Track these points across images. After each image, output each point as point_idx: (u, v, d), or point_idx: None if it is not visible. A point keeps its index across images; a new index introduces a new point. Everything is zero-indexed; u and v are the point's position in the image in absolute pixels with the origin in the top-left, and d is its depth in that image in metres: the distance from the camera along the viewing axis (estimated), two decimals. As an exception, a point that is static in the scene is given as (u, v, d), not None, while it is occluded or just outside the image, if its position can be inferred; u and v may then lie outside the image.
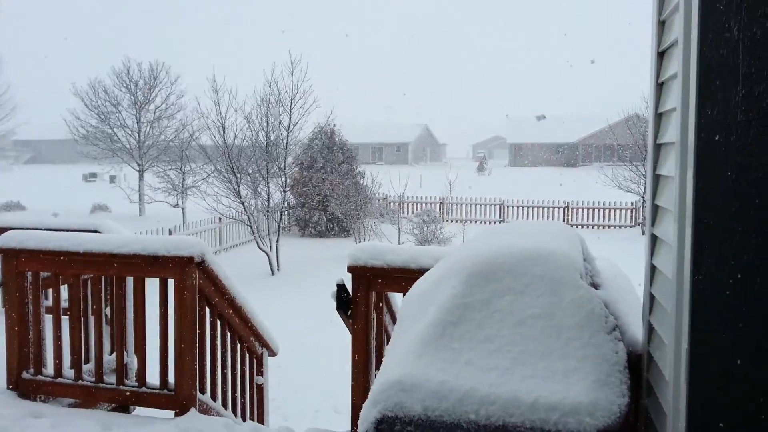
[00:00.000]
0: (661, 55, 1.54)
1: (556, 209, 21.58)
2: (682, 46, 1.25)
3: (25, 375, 3.52)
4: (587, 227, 20.73)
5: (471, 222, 21.01)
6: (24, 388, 3.50)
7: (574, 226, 20.74)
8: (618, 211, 21.04)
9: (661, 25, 1.54)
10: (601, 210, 21.07)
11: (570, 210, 21.38)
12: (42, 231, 3.67)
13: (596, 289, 1.93)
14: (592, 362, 1.47)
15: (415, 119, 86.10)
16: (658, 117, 1.56)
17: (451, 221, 21.32)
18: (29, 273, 3.55)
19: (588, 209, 21.22)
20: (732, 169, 0.97)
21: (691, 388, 1.19)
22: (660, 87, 1.55)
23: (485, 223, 21.88)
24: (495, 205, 22.29)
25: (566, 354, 1.50)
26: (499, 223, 21.63)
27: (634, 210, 20.88)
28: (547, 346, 1.54)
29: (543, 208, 21.76)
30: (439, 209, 22.04)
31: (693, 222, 1.15)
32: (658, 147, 1.57)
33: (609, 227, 20.90)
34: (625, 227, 20.79)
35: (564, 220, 21.16)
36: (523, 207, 22.00)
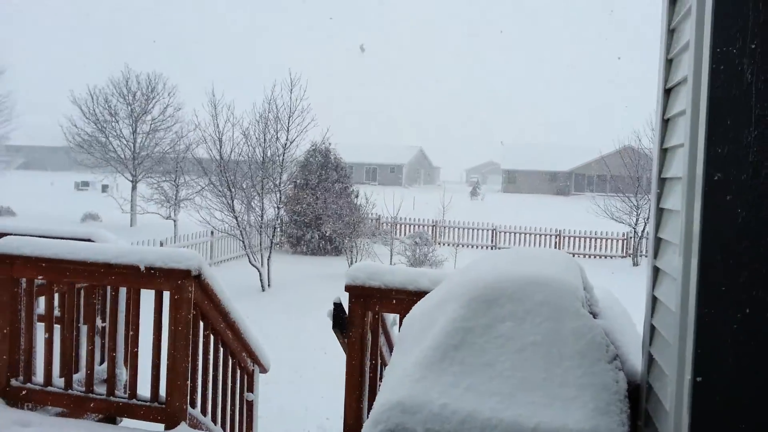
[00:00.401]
0: (668, 92, 1.58)
1: (548, 236, 21.68)
2: (691, 84, 1.28)
3: (14, 382, 3.48)
4: (578, 255, 20.82)
5: (463, 246, 21.05)
6: (12, 396, 3.46)
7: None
8: (609, 241, 21.16)
9: (669, 63, 1.59)
10: (593, 239, 21.19)
11: (562, 237, 21.47)
12: (37, 238, 3.66)
13: (595, 317, 1.95)
14: (592, 390, 1.48)
15: (411, 141, 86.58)
16: (663, 152, 1.60)
17: (444, 244, 21.35)
18: (23, 280, 3.53)
19: (580, 238, 21.33)
20: (742, 206, 1.00)
21: (693, 420, 1.20)
22: (666, 123, 1.59)
23: (477, 247, 21.94)
24: (487, 230, 22.36)
25: (567, 382, 1.52)
26: (492, 248, 21.69)
27: (625, 241, 21.01)
28: (548, 373, 1.55)
29: (535, 234, 21.85)
30: (432, 232, 22.09)
31: (700, 256, 1.17)
32: (662, 181, 1.60)
33: (600, 257, 21.00)
34: (616, 257, 20.90)
35: (556, 248, 21.25)
36: (515, 233, 22.09)
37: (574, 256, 20.57)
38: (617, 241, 21.13)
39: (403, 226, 22.41)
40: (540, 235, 21.77)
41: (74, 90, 23.16)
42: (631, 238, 20.64)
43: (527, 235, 21.92)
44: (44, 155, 64.29)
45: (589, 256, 20.95)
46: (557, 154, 61.86)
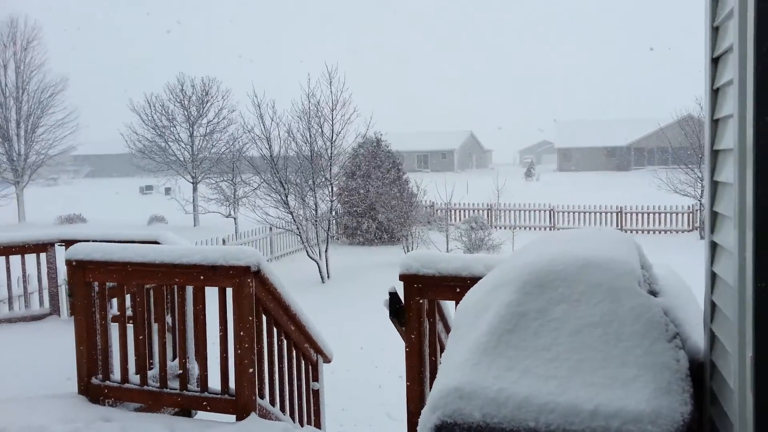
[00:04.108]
0: (715, 61, 1.53)
1: (608, 214, 21.07)
2: (737, 53, 1.24)
3: (94, 381, 3.69)
4: (642, 232, 20.19)
5: (520, 228, 20.74)
6: (93, 393, 3.68)
7: (628, 232, 20.26)
8: (674, 215, 20.38)
9: (715, 30, 1.53)
10: (656, 215, 20.47)
11: (623, 215, 20.84)
12: (106, 243, 3.86)
13: (655, 296, 1.91)
14: (652, 370, 1.46)
15: (460, 126, 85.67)
16: (714, 123, 1.55)
17: (500, 228, 21.10)
18: (96, 283, 3.74)
19: (642, 214, 20.64)
20: (794, 176, 0.97)
21: (757, 397, 1.18)
22: (715, 93, 1.54)
23: (535, 229, 21.57)
24: (545, 210, 21.93)
25: (626, 362, 1.50)
26: (550, 229, 21.29)
27: (691, 214, 20.19)
28: (605, 354, 1.54)
29: (595, 213, 21.27)
30: (487, 216, 21.86)
31: (754, 229, 1.14)
32: (715, 153, 1.56)
33: (665, 232, 20.27)
34: (682, 232, 20.12)
35: (617, 225, 20.67)
36: (573, 212, 21.56)
37: (637, 233, 20.03)
38: (682, 215, 20.32)
39: (457, 211, 22.28)
40: (600, 213, 21.18)
41: (133, 98, 24.10)
42: (696, 210, 19.84)
43: (586, 214, 21.37)
44: (109, 163, 67.16)
45: (654, 232, 20.27)
46: (613, 129, 59.91)
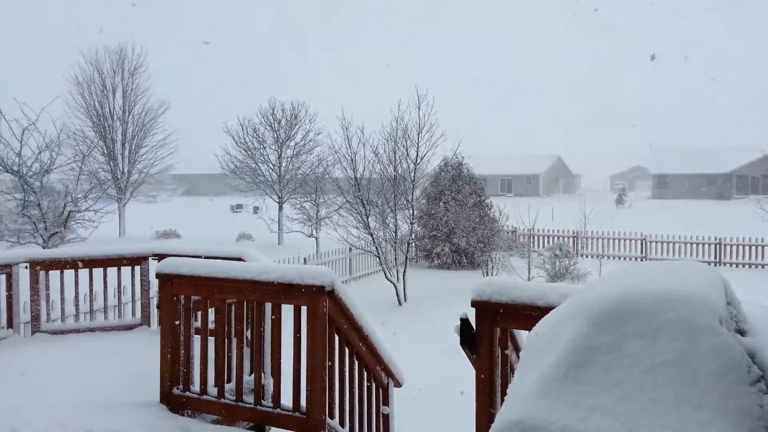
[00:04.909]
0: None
1: (706, 245, 19.78)
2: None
3: (175, 390, 3.86)
4: (743, 266, 18.84)
5: (609, 258, 19.89)
6: (174, 403, 3.85)
7: (728, 266, 18.96)
8: (780, 248, 18.90)
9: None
10: (759, 248, 19.04)
11: (723, 247, 19.51)
12: (194, 258, 4.06)
13: (742, 335, 1.78)
14: (731, 415, 1.36)
15: (548, 149, 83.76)
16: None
17: (587, 256, 20.33)
18: (182, 296, 3.93)
19: (744, 246, 19.26)
20: None
21: None
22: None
23: (624, 259, 20.63)
24: (636, 240, 20.91)
25: (702, 405, 1.40)
26: (641, 259, 20.30)
27: (799, 248, 18.66)
28: (680, 395, 1.45)
29: (691, 244, 20.04)
30: (573, 243, 21.14)
31: None
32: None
33: (768, 266, 18.81)
34: (790, 267, 18.61)
35: (716, 258, 19.41)
36: (667, 243, 20.41)
37: (737, 266, 18.69)
38: (790, 248, 18.80)
39: (541, 237, 21.71)
40: (697, 245, 19.94)
41: (227, 122, 25.39)
42: (807, 244, 18.28)
43: (682, 245, 20.17)
44: (204, 182, 70.85)
45: (756, 266, 18.86)
46: (712, 156, 56.63)
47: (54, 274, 5.82)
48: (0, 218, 17.48)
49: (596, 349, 1.67)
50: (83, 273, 5.74)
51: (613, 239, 21.22)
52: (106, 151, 27.30)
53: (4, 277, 5.43)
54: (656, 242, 20.58)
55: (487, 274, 15.76)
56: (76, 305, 5.90)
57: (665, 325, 1.63)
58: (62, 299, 5.88)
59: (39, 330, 5.60)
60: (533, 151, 70.18)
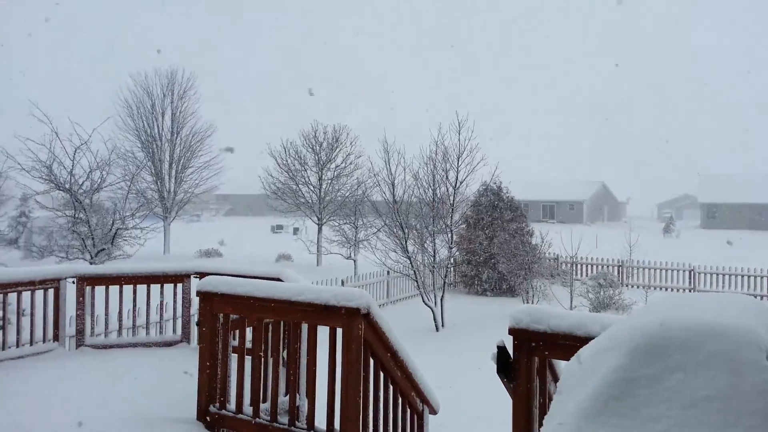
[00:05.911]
0: None
1: (759, 278, 19.01)
2: None
3: (211, 408, 3.90)
4: (797, 300, 18.01)
5: (655, 288, 19.28)
6: (210, 421, 3.88)
7: (781, 298, 18.16)
8: (838, 283, 18.00)
9: None
10: (816, 281, 18.18)
11: (775, 279, 18.72)
12: (233, 277, 4.12)
13: (792, 373, 1.70)
14: (778, 458, 1.30)
15: (592, 176, 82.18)
16: None
17: (632, 286, 19.77)
18: (221, 315, 3.98)
19: (798, 279, 18.42)
20: None
21: None
22: None
23: (672, 290, 19.96)
24: (684, 270, 20.24)
25: (747, 445, 1.34)
26: (689, 291, 19.61)
27: None
28: (723, 433, 1.39)
29: (742, 276, 19.27)
30: (618, 272, 20.61)
31: None
32: None
33: (826, 301, 17.92)
34: None
35: None
36: (717, 274, 19.67)
37: (791, 300, 17.90)
38: None
39: (584, 266, 21.25)
40: (748, 277, 19.17)
41: (270, 143, 25.90)
42: None
43: (732, 277, 19.41)
44: (246, 202, 72.16)
45: (813, 301, 18.00)
46: (765, 184, 54.64)
47: (99, 290, 5.99)
48: (50, 234, 18.15)
49: (635, 381, 1.63)
50: (127, 289, 5.89)
51: (660, 269, 20.60)
52: (153, 171, 28.15)
53: (52, 291, 5.62)
54: (705, 273, 19.87)
55: (527, 302, 15.49)
56: (120, 320, 6.05)
57: (707, 359, 1.57)
58: (106, 314, 6.03)
59: (83, 344, 5.76)
60: (578, 175, 69.03)
